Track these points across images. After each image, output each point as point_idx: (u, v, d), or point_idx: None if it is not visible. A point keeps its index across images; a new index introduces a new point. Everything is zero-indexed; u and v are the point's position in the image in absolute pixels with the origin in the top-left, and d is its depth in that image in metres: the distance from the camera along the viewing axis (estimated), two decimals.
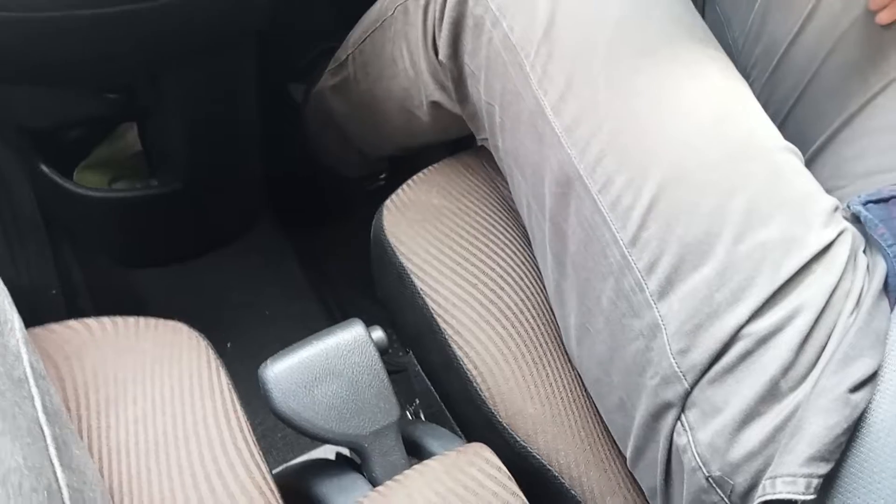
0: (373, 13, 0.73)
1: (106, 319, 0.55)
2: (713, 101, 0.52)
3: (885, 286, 0.48)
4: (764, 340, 0.46)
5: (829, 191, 0.58)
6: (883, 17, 0.56)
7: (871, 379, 0.44)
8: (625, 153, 0.50)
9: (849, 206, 0.52)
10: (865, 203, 0.51)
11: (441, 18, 0.59)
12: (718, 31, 0.71)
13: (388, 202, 0.66)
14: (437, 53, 0.61)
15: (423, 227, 0.63)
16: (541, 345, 0.58)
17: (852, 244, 0.49)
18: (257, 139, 0.84)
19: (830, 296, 0.47)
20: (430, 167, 0.68)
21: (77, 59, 0.61)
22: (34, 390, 0.41)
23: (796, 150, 0.54)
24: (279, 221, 1.03)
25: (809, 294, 0.46)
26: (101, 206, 0.87)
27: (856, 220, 0.52)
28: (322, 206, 1.06)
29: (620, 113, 0.51)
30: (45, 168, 0.84)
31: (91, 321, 0.55)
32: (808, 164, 0.61)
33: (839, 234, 0.49)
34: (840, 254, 0.48)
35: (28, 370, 0.42)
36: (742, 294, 0.46)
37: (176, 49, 0.66)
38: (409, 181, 0.67)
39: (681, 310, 0.47)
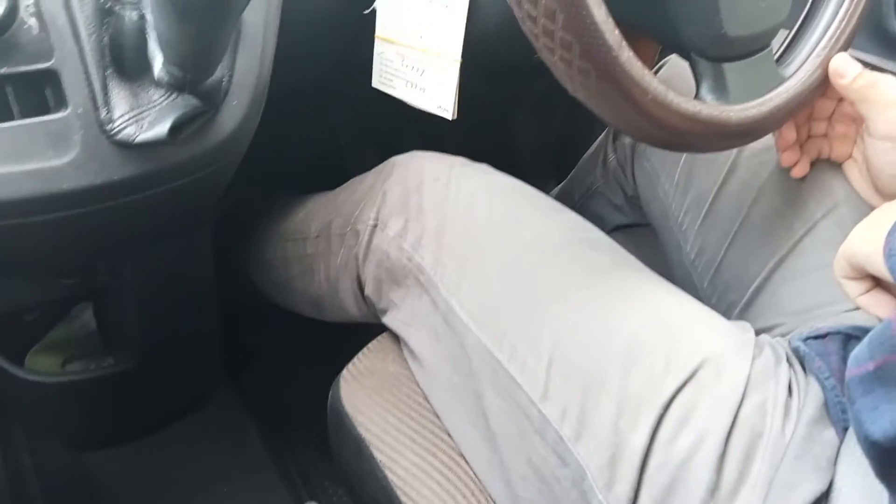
0: (297, 220, 0.80)
1: None
2: (586, 268, 0.57)
3: (830, 416, 0.49)
4: (682, 466, 0.47)
5: (770, 329, 0.60)
6: (796, 172, 0.61)
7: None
8: (522, 323, 0.55)
9: (790, 342, 0.54)
10: (805, 339, 0.53)
11: (365, 259, 0.67)
12: (650, 183, 0.75)
13: (344, 372, 0.65)
14: (361, 287, 0.69)
15: (380, 396, 0.63)
16: None
17: (764, 359, 0.50)
18: (214, 312, 0.84)
19: (737, 411, 0.47)
20: (384, 334, 0.68)
21: (32, 255, 0.62)
22: None
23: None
24: (235, 390, 1.01)
25: (711, 412, 0.48)
26: (54, 390, 0.84)
27: (796, 355, 0.53)
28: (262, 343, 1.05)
29: (511, 293, 0.56)
30: None
31: None
32: (749, 304, 0.63)
33: (735, 351, 0.50)
34: (737, 369, 0.49)
35: None
36: (639, 417, 0.48)
37: (135, 237, 0.67)
38: (365, 349, 0.67)
39: (596, 446, 0.49)
